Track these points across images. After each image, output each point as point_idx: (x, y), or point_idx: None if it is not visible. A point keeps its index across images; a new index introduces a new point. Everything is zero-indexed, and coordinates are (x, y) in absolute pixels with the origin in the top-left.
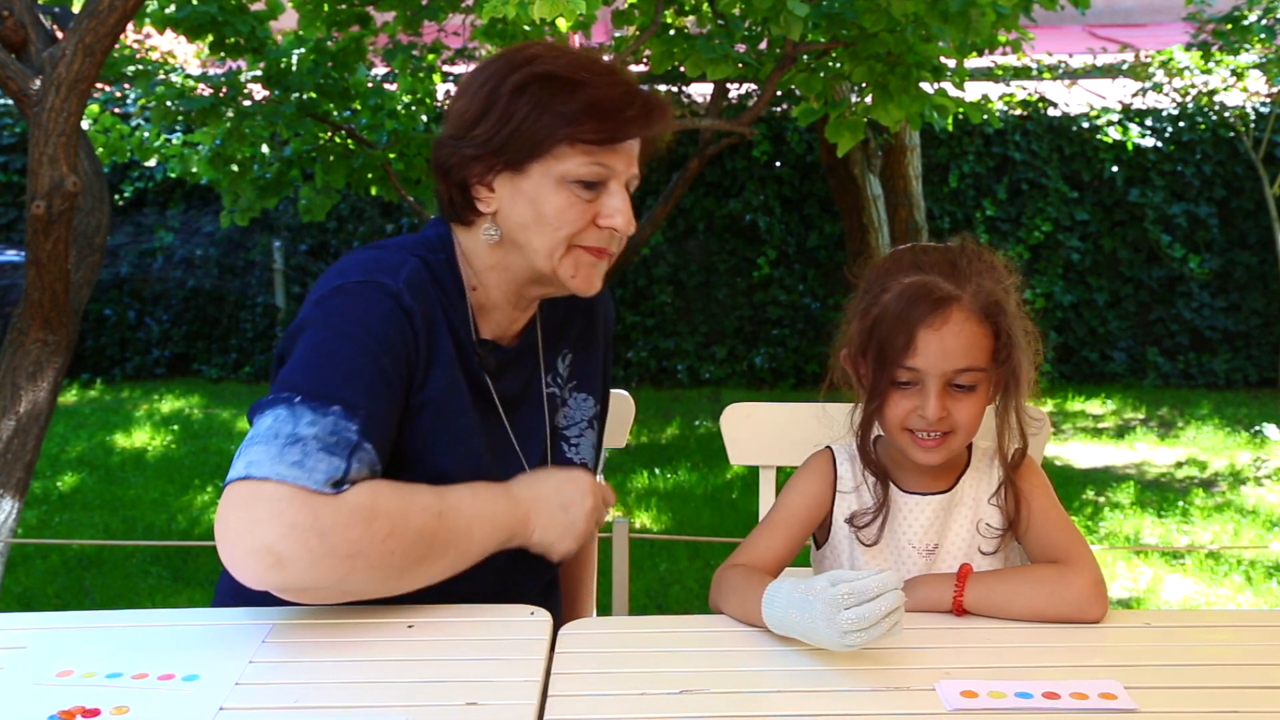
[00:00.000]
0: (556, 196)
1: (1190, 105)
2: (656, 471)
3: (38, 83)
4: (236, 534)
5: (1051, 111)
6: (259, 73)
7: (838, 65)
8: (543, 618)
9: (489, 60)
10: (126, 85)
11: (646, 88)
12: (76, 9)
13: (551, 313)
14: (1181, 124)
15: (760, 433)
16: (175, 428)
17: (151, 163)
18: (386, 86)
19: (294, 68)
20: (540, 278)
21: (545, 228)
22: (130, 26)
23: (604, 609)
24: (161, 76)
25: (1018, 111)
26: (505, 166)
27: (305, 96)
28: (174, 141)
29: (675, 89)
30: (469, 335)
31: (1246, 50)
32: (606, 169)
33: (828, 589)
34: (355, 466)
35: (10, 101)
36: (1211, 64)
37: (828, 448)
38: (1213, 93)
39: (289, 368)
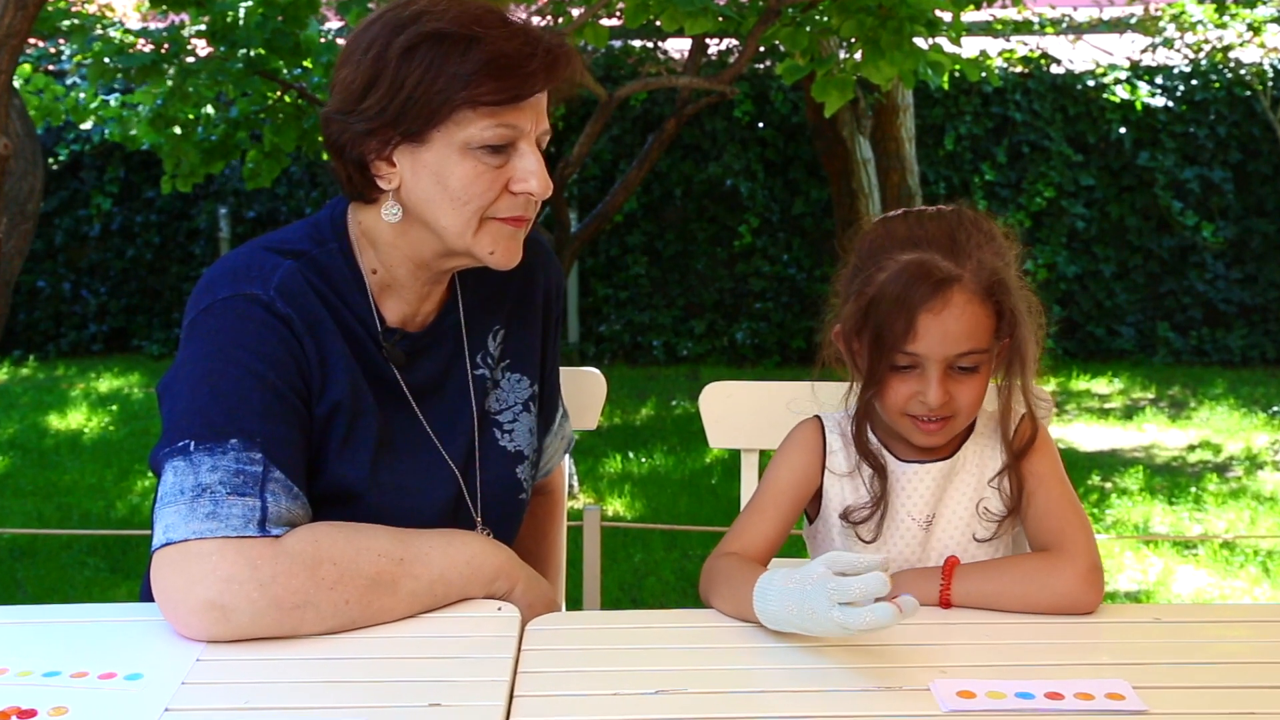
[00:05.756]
0: (462, 166)
1: (1204, 62)
2: (630, 455)
3: None
4: (178, 594)
5: (1054, 69)
6: (203, 28)
7: (825, 19)
8: (510, 613)
9: (369, 20)
10: (61, 41)
11: (541, 22)
12: None
13: (479, 287)
14: (1194, 82)
15: (742, 413)
16: (114, 408)
17: (88, 125)
18: (340, 42)
19: (241, 22)
20: (452, 253)
21: (453, 202)
22: None
23: (574, 603)
24: (99, 32)
25: (1018, 69)
26: (403, 138)
27: (253, 53)
28: (112, 102)
29: (651, 44)
30: (371, 327)
31: (1264, 3)
32: (513, 129)
33: (826, 576)
34: (271, 500)
35: None
36: (1226, 17)
37: (816, 417)
38: (1228, 48)
39: (177, 408)
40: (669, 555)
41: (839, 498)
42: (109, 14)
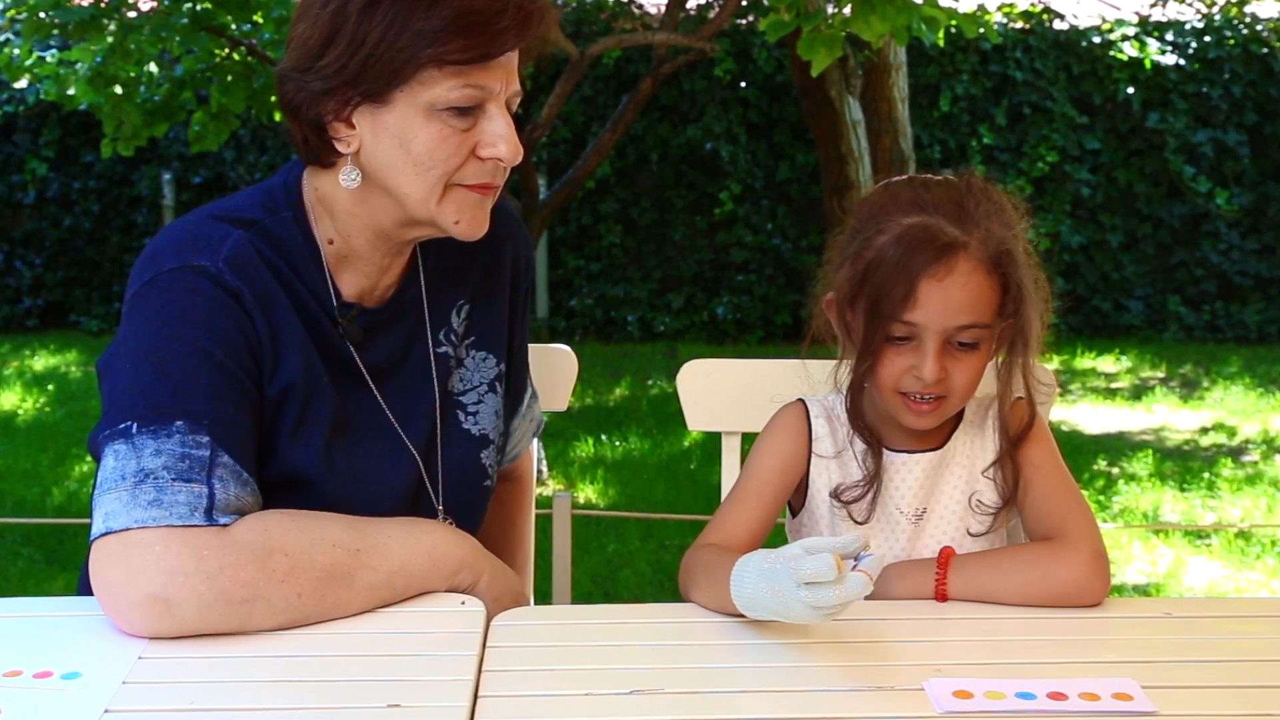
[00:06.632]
0: (426, 129)
1: (1217, 17)
2: (603, 438)
3: None
4: (118, 587)
5: (1058, 24)
6: None
7: None
8: (475, 608)
9: None
10: None
11: None
12: None
13: (443, 259)
14: (1207, 39)
15: (722, 393)
16: (50, 388)
17: (22, 84)
18: None
19: None
20: (414, 222)
21: (416, 168)
22: None
23: (543, 597)
24: None
25: (1019, 24)
26: (363, 99)
27: (199, 7)
28: (49, 59)
29: None
30: (326, 302)
31: None
32: (482, 90)
33: (799, 557)
34: (220, 487)
35: None
36: None
37: (799, 400)
38: (1243, 2)
39: (118, 388)
40: (645, 545)
41: (827, 482)
42: None
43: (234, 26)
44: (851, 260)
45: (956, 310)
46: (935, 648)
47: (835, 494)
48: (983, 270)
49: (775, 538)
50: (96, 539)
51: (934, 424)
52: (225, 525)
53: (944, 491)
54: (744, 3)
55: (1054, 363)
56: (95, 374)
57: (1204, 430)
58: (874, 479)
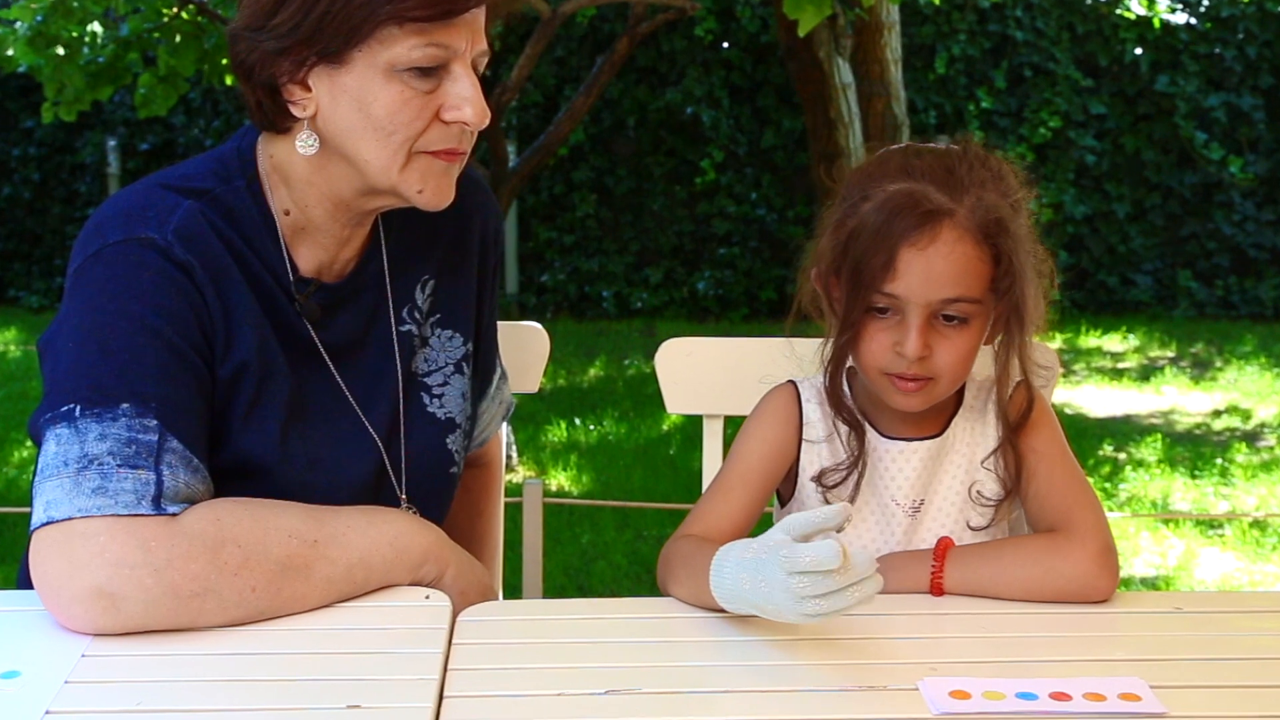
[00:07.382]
0: (386, 91)
1: None
2: (577, 422)
3: None
4: (60, 579)
5: None
6: None
7: None
8: (440, 602)
9: None
10: None
11: None
12: None
13: (406, 231)
14: None
15: (703, 374)
16: None
17: None
18: None
19: None
20: (375, 191)
21: (377, 133)
22: None
23: (513, 590)
24: None
25: None
26: (319, 59)
27: None
28: None
29: None
30: (282, 277)
31: None
32: (445, 49)
33: (783, 544)
34: (168, 474)
35: None
36: None
37: (790, 382)
38: None
39: (60, 368)
40: (620, 536)
41: (816, 466)
42: None
43: None
44: (834, 228)
45: (940, 282)
46: (930, 645)
47: (817, 478)
48: (970, 240)
49: (762, 529)
50: (37, 529)
51: (923, 406)
52: (174, 515)
53: (942, 482)
54: None
55: (1057, 341)
56: (36, 353)
57: (1216, 413)
58: (857, 461)
